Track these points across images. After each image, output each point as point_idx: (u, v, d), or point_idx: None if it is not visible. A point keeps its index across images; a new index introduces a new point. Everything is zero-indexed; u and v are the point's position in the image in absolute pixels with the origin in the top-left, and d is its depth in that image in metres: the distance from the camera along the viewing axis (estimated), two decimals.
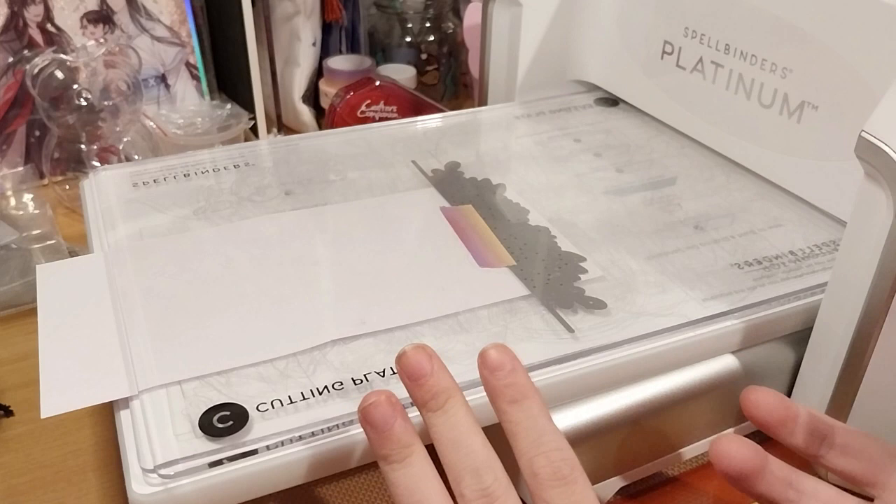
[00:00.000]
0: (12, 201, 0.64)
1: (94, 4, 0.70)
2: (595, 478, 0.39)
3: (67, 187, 0.67)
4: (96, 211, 0.47)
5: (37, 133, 0.69)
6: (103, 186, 0.49)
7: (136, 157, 0.67)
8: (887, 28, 0.40)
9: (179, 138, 0.71)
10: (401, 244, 0.44)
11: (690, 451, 0.42)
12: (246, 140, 0.75)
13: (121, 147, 0.67)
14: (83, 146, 0.66)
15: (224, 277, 0.41)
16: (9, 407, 0.47)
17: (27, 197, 0.64)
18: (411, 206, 0.48)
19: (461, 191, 0.50)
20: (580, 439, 0.37)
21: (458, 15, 0.88)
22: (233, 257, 0.43)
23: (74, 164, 0.66)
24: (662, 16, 0.55)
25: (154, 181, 0.50)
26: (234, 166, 0.52)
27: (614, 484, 0.40)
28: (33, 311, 0.55)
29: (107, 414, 0.47)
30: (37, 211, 0.62)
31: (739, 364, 0.40)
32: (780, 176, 0.50)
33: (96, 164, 0.66)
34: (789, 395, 0.43)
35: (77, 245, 0.60)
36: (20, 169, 0.69)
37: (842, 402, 0.38)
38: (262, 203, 0.48)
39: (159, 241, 0.44)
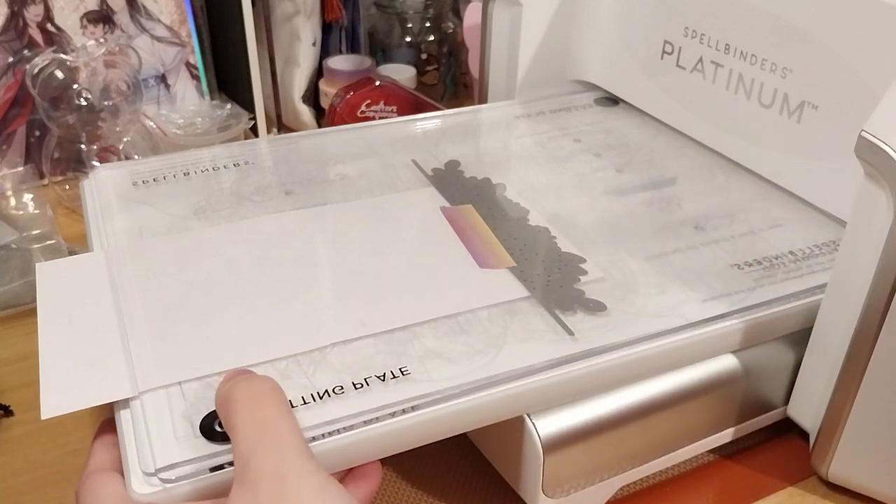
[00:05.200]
0: (12, 201, 0.64)
1: (94, 4, 0.70)
2: (595, 477, 0.39)
3: (67, 187, 0.67)
4: (96, 210, 0.47)
5: (37, 133, 0.69)
6: (103, 185, 0.49)
7: (137, 156, 0.67)
8: (887, 28, 0.40)
9: (179, 138, 0.71)
10: (401, 244, 0.44)
11: (690, 451, 0.42)
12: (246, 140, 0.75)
13: (121, 147, 0.67)
14: (83, 146, 0.66)
15: (224, 277, 0.41)
16: (9, 407, 0.47)
17: (27, 197, 0.64)
18: (411, 206, 0.48)
19: (461, 190, 0.50)
20: (580, 439, 0.37)
21: (458, 15, 0.88)
22: (233, 257, 0.43)
23: (74, 164, 0.66)
24: (662, 16, 0.55)
25: (154, 180, 0.50)
26: (234, 165, 0.52)
27: (614, 484, 0.40)
28: (33, 311, 0.55)
29: (107, 414, 0.47)
30: (37, 211, 0.62)
31: (739, 364, 0.40)
32: (780, 176, 0.50)
33: (96, 164, 0.66)
34: (789, 395, 0.43)
35: (77, 245, 0.60)
36: (20, 169, 0.69)
37: (842, 402, 0.39)
38: (262, 203, 0.48)
39: (159, 241, 0.44)
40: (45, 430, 0.46)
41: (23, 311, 0.55)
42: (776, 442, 0.45)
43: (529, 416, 0.36)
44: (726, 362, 0.40)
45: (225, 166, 0.52)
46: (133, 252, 0.43)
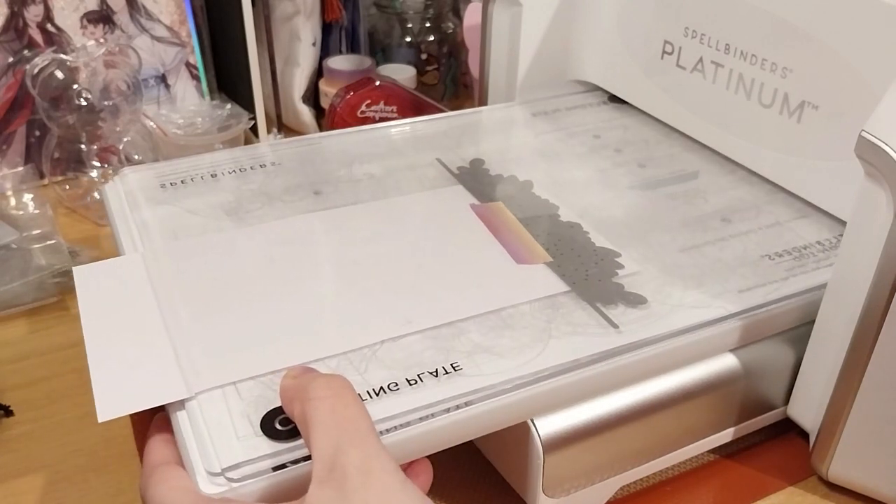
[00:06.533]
0: (12, 201, 0.64)
1: (94, 4, 0.70)
2: (595, 477, 0.39)
3: (67, 187, 0.67)
4: (124, 212, 0.46)
5: (37, 133, 0.69)
6: (130, 188, 0.49)
7: (137, 156, 0.67)
8: (887, 28, 0.40)
9: (179, 138, 0.71)
10: (436, 241, 0.45)
11: (690, 451, 0.42)
12: (246, 140, 0.75)
13: (121, 147, 0.67)
14: (83, 146, 0.66)
15: (265, 277, 0.41)
16: (9, 407, 0.47)
17: (27, 197, 0.64)
18: (442, 204, 0.48)
19: (489, 188, 0.50)
20: (580, 439, 0.37)
21: (458, 15, 0.88)
22: (271, 257, 0.43)
23: (74, 164, 0.66)
24: (662, 16, 0.55)
25: (182, 182, 0.50)
26: (261, 166, 0.52)
27: (614, 484, 0.40)
28: (33, 311, 0.55)
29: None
30: (37, 211, 0.62)
31: (739, 364, 0.40)
32: (781, 176, 0.50)
33: (96, 163, 0.66)
34: (789, 395, 0.43)
35: (77, 245, 0.60)
36: (20, 169, 0.69)
37: (842, 402, 0.39)
38: (292, 203, 0.48)
39: (196, 242, 0.44)
40: (46, 430, 0.46)
41: (23, 310, 0.55)
42: (776, 442, 0.45)
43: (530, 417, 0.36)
44: (726, 362, 0.40)
45: (251, 167, 0.52)
46: (170, 253, 0.43)
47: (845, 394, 0.38)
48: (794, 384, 0.42)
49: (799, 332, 0.42)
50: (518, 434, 0.37)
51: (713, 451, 0.44)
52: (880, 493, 0.41)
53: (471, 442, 0.42)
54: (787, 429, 0.45)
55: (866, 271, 0.36)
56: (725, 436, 0.43)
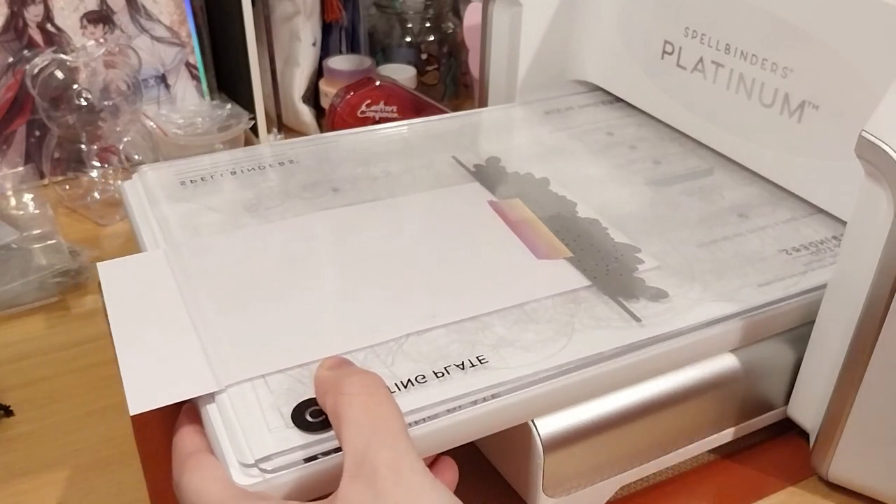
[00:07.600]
0: (12, 201, 0.64)
1: (94, 4, 0.70)
2: (595, 477, 0.39)
3: (67, 187, 0.67)
4: (144, 209, 0.47)
5: (37, 133, 0.69)
6: (149, 185, 0.49)
7: (137, 156, 0.67)
8: (887, 28, 0.40)
9: (179, 138, 0.71)
10: (455, 237, 0.45)
11: (690, 451, 0.42)
12: (246, 140, 0.75)
13: (121, 147, 0.67)
14: (83, 146, 0.66)
15: (287, 272, 0.41)
16: (9, 407, 0.47)
17: (27, 197, 0.64)
18: (459, 201, 0.49)
19: (506, 185, 0.50)
20: (580, 439, 0.37)
21: (458, 15, 0.88)
22: (293, 252, 0.43)
23: (74, 164, 0.66)
24: (662, 16, 0.55)
25: (201, 179, 0.50)
26: (279, 164, 0.52)
27: (614, 484, 0.40)
28: (33, 311, 0.55)
29: (106, 413, 0.47)
30: (37, 211, 0.62)
31: (739, 364, 0.40)
32: (781, 176, 0.50)
33: (96, 163, 0.66)
34: (789, 394, 0.43)
35: (78, 245, 0.60)
36: (20, 169, 0.69)
37: (842, 402, 0.39)
38: (311, 200, 0.48)
39: (218, 238, 0.44)
40: (46, 430, 0.46)
41: (23, 310, 0.55)
42: (776, 442, 0.45)
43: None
44: (726, 362, 0.40)
45: (269, 165, 0.52)
46: (193, 249, 0.43)
47: (845, 394, 0.38)
48: (794, 384, 0.42)
49: (799, 332, 0.42)
50: (518, 434, 0.37)
51: (713, 451, 0.44)
52: (880, 493, 0.41)
53: (471, 442, 0.43)
54: (787, 429, 0.45)
55: (866, 271, 0.36)
56: (725, 436, 0.43)
